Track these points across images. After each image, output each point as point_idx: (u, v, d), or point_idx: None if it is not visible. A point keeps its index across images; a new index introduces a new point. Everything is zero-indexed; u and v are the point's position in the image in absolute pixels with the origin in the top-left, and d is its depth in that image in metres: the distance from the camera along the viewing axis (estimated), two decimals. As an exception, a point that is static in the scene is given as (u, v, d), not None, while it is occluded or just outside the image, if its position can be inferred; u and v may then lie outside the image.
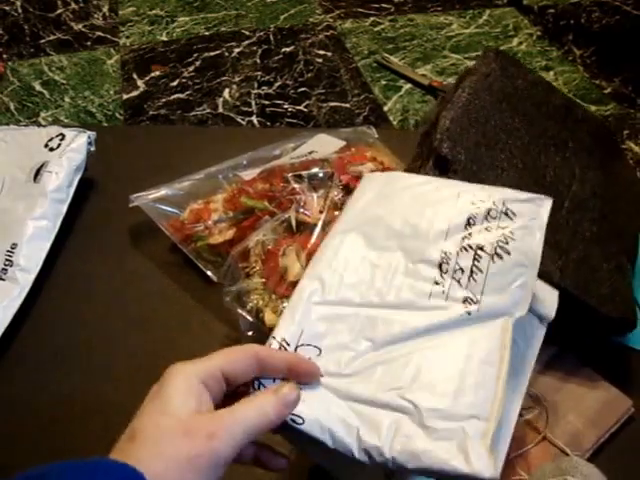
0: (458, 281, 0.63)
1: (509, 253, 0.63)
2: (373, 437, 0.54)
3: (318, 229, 0.87)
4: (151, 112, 1.32)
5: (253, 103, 1.34)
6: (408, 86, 1.38)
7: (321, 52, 1.50)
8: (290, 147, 1.07)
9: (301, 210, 0.90)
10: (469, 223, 0.66)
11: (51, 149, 1.02)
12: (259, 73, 1.43)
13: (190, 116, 1.31)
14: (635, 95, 1.35)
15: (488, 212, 0.66)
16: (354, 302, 0.64)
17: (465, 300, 0.62)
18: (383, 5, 1.68)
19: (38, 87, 1.39)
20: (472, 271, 0.63)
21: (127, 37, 1.56)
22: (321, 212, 0.89)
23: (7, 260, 0.91)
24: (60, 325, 0.90)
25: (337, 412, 0.56)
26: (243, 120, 1.30)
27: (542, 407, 0.76)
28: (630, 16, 1.63)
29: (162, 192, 0.98)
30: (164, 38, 1.55)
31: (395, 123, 1.28)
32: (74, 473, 0.46)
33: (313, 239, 0.86)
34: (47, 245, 0.95)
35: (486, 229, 0.65)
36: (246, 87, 1.38)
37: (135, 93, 1.37)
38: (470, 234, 0.65)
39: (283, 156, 1.04)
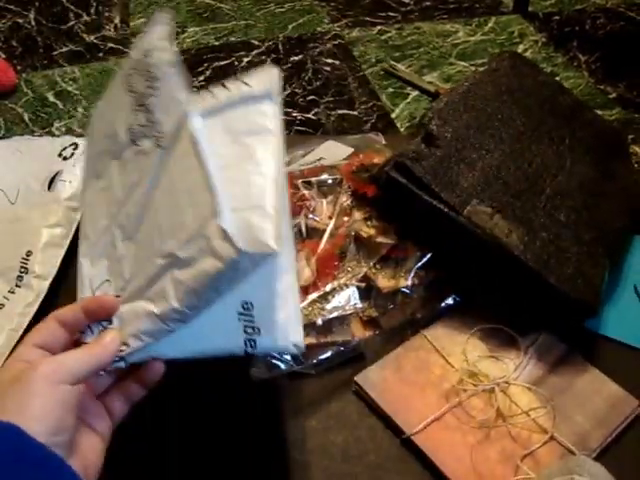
0: (145, 135, 0.68)
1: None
2: (164, 305, 0.59)
3: (327, 234, 0.88)
4: (162, 121, 1.33)
5: (262, 111, 1.35)
6: (415, 93, 1.40)
7: (329, 61, 1.51)
8: (299, 154, 1.08)
9: (310, 216, 0.91)
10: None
11: (65, 158, 1.03)
12: (268, 82, 1.44)
13: (200, 125, 1.32)
14: (640, 100, 1.36)
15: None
16: (106, 228, 0.70)
17: (155, 141, 0.66)
18: (390, 14, 1.70)
19: (51, 98, 1.40)
20: (148, 117, 0.68)
21: (138, 48, 1.57)
22: (330, 218, 0.91)
23: (22, 267, 0.92)
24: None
25: (138, 314, 0.61)
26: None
27: (549, 407, 0.77)
28: (634, 22, 1.63)
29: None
30: (174, 48, 1.56)
31: (402, 130, 1.30)
32: None
33: (322, 244, 0.87)
34: (61, 252, 0.96)
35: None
36: (255, 96, 1.40)
37: (146, 103, 1.39)
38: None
39: (292, 163, 1.05)
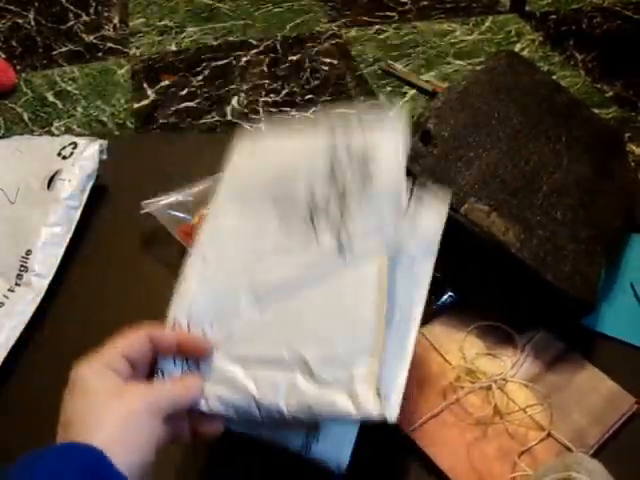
0: (330, 226, 0.65)
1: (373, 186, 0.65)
2: (270, 399, 0.58)
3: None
4: (161, 120, 1.33)
5: (261, 110, 1.36)
6: (413, 92, 1.40)
7: (327, 60, 1.52)
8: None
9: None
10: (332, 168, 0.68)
11: (64, 157, 1.03)
12: (266, 81, 1.44)
13: (199, 124, 1.33)
14: (636, 98, 1.36)
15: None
16: (236, 270, 0.67)
17: (338, 245, 0.64)
18: (387, 13, 1.70)
19: (51, 98, 1.41)
20: (342, 214, 0.65)
21: (137, 48, 1.58)
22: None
23: (22, 266, 0.92)
24: (73, 329, 0.91)
25: (235, 382, 0.60)
26: (251, 127, 1.31)
27: (546, 404, 0.77)
28: (631, 21, 1.64)
29: (173, 198, 1.00)
30: (173, 48, 1.57)
31: (400, 129, 1.30)
32: (42, 466, 0.47)
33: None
34: (61, 251, 0.96)
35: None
36: (254, 95, 1.40)
37: (145, 102, 1.39)
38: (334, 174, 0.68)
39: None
